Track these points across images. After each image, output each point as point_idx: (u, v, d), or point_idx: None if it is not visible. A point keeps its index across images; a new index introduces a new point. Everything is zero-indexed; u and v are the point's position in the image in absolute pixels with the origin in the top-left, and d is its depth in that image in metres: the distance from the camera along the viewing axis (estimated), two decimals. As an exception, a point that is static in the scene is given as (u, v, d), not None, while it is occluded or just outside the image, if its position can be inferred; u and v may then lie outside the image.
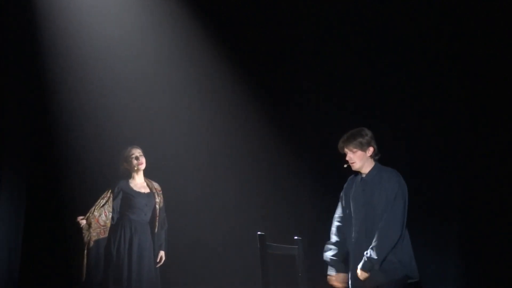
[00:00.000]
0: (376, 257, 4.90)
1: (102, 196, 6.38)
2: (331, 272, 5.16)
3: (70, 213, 6.63)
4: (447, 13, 6.32)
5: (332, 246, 5.13)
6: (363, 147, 5.01)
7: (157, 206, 6.51)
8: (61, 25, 6.87)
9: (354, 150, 5.02)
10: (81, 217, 6.27)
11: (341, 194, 5.14)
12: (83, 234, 6.21)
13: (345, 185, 5.17)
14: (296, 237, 5.05)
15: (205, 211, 7.22)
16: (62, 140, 7.06)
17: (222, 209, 7.17)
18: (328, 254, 5.12)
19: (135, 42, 7.10)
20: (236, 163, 7.19)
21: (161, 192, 6.60)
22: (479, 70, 6.19)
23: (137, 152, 6.53)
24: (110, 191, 6.38)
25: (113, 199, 6.36)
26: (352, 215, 5.07)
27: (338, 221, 5.12)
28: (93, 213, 6.27)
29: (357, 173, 5.14)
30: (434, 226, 6.29)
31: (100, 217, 6.33)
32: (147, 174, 6.60)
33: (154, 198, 6.52)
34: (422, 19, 6.44)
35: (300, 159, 6.89)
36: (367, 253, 4.94)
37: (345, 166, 5.12)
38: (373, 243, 4.92)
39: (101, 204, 6.29)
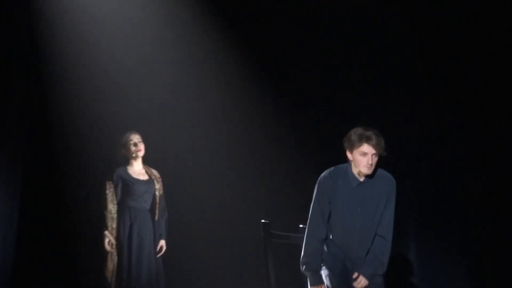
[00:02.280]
0: (386, 262, 4.77)
1: (107, 190, 6.34)
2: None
3: (67, 206, 6.75)
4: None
5: (318, 257, 4.75)
6: (383, 152, 4.69)
7: (157, 193, 6.46)
8: (56, 11, 6.82)
9: (378, 154, 4.67)
10: (109, 240, 6.27)
11: (325, 189, 4.71)
12: (108, 262, 6.27)
13: (326, 180, 4.73)
14: (301, 226, 5.04)
15: (206, 199, 7.21)
16: (58, 130, 7.03)
17: (224, 197, 7.16)
18: (322, 272, 4.77)
19: (135, 27, 7.10)
20: (239, 150, 7.18)
21: (160, 179, 6.54)
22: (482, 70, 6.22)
23: (135, 138, 6.46)
24: (110, 182, 6.33)
25: (114, 188, 6.33)
26: (344, 219, 4.74)
27: (323, 221, 4.75)
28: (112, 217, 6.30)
29: (343, 170, 4.77)
30: (438, 227, 6.34)
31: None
32: (146, 160, 6.57)
33: (154, 185, 6.47)
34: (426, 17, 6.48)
35: (304, 146, 6.89)
36: (375, 260, 4.73)
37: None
38: (380, 249, 4.73)
39: (110, 199, 6.27)
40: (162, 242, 6.48)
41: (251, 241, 6.42)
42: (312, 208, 4.73)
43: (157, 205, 6.47)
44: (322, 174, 4.75)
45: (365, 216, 4.69)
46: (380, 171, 4.73)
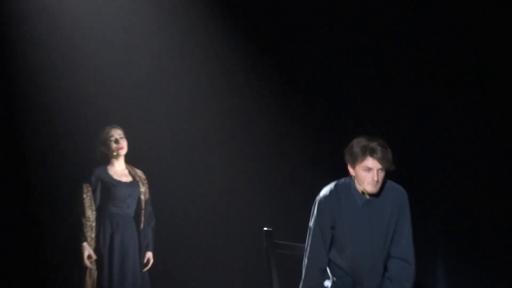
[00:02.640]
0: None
1: (84, 194, 6.15)
2: None
3: (37, 214, 6.69)
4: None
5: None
6: (391, 166, 4.48)
7: (142, 197, 6.26)
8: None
9: (385, 168, 4.47)
10: (89, 254, 6.11)
11: (326, 211, 4.51)
12: (86, 278, 6.13)
13: (327, 200, 4.54)
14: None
15: (199, 204, 7.13)
16: (27, 125, 6.86)
17: (221, 203, 7.13)
18: None
19: (114, 9, 6.98)
20: (238, 149, 7.15)
21: (146, 181, 6.34)
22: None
23: (116, 133, 6.24)
24: (87, 184, 6.17)
25: (93, 192, 6.16)
26: (352, 244, 4.53)
27: (325, 248, 4.58)
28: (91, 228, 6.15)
29: (345, 185, 4.58)
30: (434, 227, 6.45)
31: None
32: (129, 159, 6.36)
33: (139, 187, 6.26)
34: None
35: (312, 146, 6.87)
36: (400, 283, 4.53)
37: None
38: (402, 274, 4.51)
39: (87, 204, 6.14)
40: (149, 254, 6.29)
41: (252, 251, 6.47)
42: (311, 233, 4.55)
43: (143, 211, 6.26)
44: (322, 193, 4.55)
45: (376, 239, 4.50)
46: (389, 183, 4.54)
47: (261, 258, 5.12)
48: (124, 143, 6.23)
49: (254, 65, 6.94)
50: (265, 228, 4.95)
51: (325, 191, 4.55)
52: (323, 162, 6.57)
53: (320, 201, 4.54)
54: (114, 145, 6.20)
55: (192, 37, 7.04)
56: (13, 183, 6.76)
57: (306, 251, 4.53)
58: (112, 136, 6.21)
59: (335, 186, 4.55)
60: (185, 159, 7.13)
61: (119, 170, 6.26)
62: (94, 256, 6.07)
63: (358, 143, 4.46)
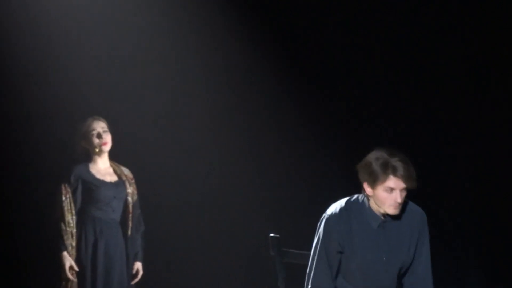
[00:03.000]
0: None
1: (62, 196, 5.93)
2: None
3: (9, 219, 6.55)
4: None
5: None
6: (414, 185, 4.32)
7: (130, 199, 6.04)
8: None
9: (409, 188, 4.31)
10: (71, 266, 5.90)
11: (333, 234, 4.31)
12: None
13: (337, 221, 4.35)
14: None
15: (196, 207, 6.96)
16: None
17: (221, 205, 6.99)
18: None
19: None
20: (240, 146, 6.99)
21: (133, 181, 6.12)
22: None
23: (99, 126, 6.02)
24: (66, 185, 5.98)
25: (72, 194, 5.97)
26: (364, 272, 4.35)
27: (330, 274, 4.37)
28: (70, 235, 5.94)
29: (352, 204, 4.40)
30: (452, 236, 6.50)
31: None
32: (113, 156, 6.16)
33: (125, 188, 6.05)
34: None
35: (324, 143, 6.77)
36: None
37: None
38: None
39: (66, 207, 5.95)
40: (138, 265, 6.08)
41: (257, 260, 6.41)
42: (316, 256, 4.36)
43: (130, 215, 6.05)
44: (330, 211, 4.34)
45: (392, 267, 4.33)
46: (407, 202, 4.40)
47: (266, 268, 5.07)
48: (108, 138, 6.00)
49: (271, 64, 6.83)
50: (272, 235, 4.84)
51: (333, 209, 4.37)
52: (333, 163, 6.62)
53: (327, 221, 4.36)
54: (96, 140, 5.98)
55: (186, 25, 6.95)
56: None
57: (309, 276, 4.35)
58: (94, 129, 5.99)
59: (346, 204, 4.37)
60: (179, 157, 7.02)
61: (102, 168, 6.05)
62: (76, 268, 5.92)
63: (377, 159, 4.27)
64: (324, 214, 4.36)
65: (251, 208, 6.88)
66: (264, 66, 6.87)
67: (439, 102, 6.64)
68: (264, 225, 6.16)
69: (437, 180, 6.47)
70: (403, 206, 4.31)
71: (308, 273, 4.34)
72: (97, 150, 5.96)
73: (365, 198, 4.35)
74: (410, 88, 6.64)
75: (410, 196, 4.55)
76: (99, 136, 5.96)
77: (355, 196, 4.37)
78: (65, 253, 5.86)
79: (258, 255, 6.11)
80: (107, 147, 6.00)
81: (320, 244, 4.34)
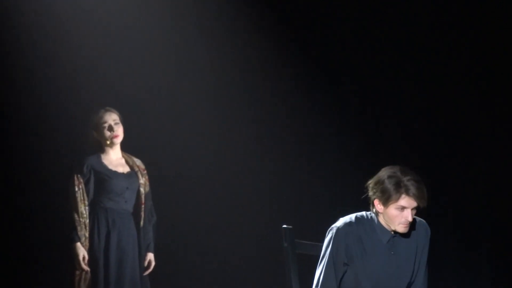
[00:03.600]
0: None
1: (75, 187, 5.93)
2: None
3: (23, 210, 6.54)
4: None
5: None
6: (425, 203, 4.35)
7: (142, 190, 6.02)
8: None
9: (421, 207, 4.33)
10: (84, 257, 5.91)
11: (341, 250, 4.33)
12: (80, 283, 5.95)
13: (345, 235, 4.36)
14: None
15: (207, 198, 6.92)
16: (11, 111, 6.66)
17: (233, 196, 6.93)
18: None
19: None
20: (253, 136, 6.98)
21: (145, 172, 6.10)
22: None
23: (111, 119, 6.00)
24: (79, 176, 5.96)
25: (85, 184, 5.96)
26: (376, 284, 4.36)
27: (337, 285, 4.39)
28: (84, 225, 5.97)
29: (361, 220, 4.41)
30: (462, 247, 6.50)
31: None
32: (126, 148, 6.14)
33: (137, 179, 6.04)
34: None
35: (333, 144, 6.79)
36: None
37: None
38: None
39: (79, 198, 5.96)
40: (150, 256, 6.07)
41: (269, 252, 6.31)
42: (326, 264, 4.36)
43: (143, 206, 6.03)
44: (339, 223, 4.35)
45: (403, 283, 4.35)
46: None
47: (278, 260, 4.93)
48: (119, 130, 5.98)
49: (280, 62, 6.82)
50: (284, 226, 4.76)
51: (343, 221, 4.37)
52: (344, 156, 6.62)
53: (337, 232, 4.35)
54: (107, 133, 5.98)
55: (198, 22, 6.93)
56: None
57: (318, 282, 4.36)
58: (105, 122, 5.98)
59: (356, 218, 4.38)
60: (191, 148, 6.98)
61: (114, 159, 6.02)
62: (88, 259, 5.96)
63: (390, 178, 4.26)
64: (332, 226, 4.37)
65: (263, 199, 6.86)
66: (273, 63, 6.84)
67: (454, 102, 6.58)
68: (277, 216, 6.16)
69: (449, 182, 6.49)
70: (411, 222, 4.37)
71: (317, 279, 4.38)
72: (108, 142, 5.97)
73: (373, 215, 4.37)
74: (426, 88, 6.60)
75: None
76: (110, 128, 5.95)
77: (363, 213, 4.39)
78: (78, 244, 5.85)
79: (269, 247, 6.09)
80: (118, 139, 5.99)
81: (329, 253, 4.35)
